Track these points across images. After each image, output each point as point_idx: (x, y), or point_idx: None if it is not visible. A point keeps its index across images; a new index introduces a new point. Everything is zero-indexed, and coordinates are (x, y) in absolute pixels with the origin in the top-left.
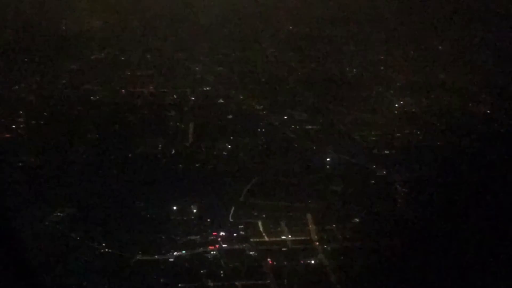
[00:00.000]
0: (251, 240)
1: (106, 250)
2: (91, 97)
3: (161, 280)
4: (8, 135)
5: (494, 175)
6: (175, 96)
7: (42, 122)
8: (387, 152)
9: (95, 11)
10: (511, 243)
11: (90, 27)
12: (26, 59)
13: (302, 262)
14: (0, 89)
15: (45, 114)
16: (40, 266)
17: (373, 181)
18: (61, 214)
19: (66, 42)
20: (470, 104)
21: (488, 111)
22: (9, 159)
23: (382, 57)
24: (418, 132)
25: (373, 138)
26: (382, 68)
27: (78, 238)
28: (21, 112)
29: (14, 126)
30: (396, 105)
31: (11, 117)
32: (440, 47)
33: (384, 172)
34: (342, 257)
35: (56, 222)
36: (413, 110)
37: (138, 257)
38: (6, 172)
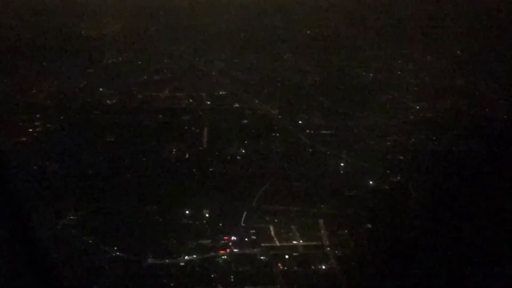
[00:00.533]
0: (262, 245)
1: (118, 253)
2: (107, 101)
3: (172, 284)
4: (24, 139)
5: None
6: (190, 101)
7: (58, 126)
8: (401, 157)
9: (115, 16)
10: None
11: (110, 31)
12: (44, 63)
13: (313, 267)
14: (17, 93)
15: (62, 118)
16: (53, 268)
17: (386, 187)
18: (75, 217)
19: (84, 46)
20: (487, 110)
21: (505, 117)
22: (25, 162)
23: (400, 61)
24: (434, 138)
25: (388, 143)
26: (399, 72)
27: (90, 241)
28: (38, 116)
29: (30, 130)
30: (412, 110)
31: (28, 121)
32: (458, 52)
33: (398, 177)
34: (353, 263)
35: (70, 225)
36: (429, 115)
37: (149, 261)
38: (21, 175)
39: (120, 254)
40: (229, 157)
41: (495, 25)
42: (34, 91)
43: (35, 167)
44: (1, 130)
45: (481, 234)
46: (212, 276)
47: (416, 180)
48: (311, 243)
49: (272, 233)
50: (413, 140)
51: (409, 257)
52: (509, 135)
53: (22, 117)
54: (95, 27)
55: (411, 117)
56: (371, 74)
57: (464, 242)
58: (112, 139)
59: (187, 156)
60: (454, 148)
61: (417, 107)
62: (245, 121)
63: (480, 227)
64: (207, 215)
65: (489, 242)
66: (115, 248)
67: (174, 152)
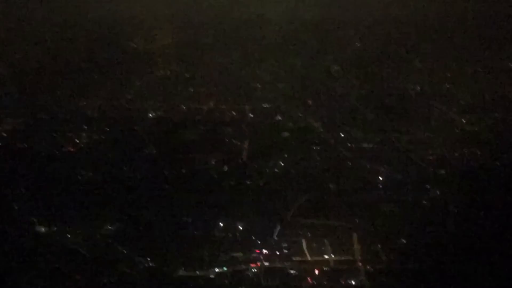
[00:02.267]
0: (293, 259)
1: (151, 264)
2: (152, 113)
3: None
4: (71, 149)
5: None
6: (233, 113)
7: (103, 138)
8: (443, 172)
9: (167, 30)
10: None
11: (160, 44)
12: (95, 76)
13: (342, 282)
14: (68, 104)
15: (107, 129)
16: (89, 277)
17: (425, 202)
18: (112, 228)
19: (135, 59)
20: None
21: None
22: (72, 172)
23: (449, 74)
24: (479, 152)
25: (430, 158)
26: (447, 85)
27: (125, 251)
28: (85, 127)
29: (78, 141)
30: (458, 123)
31: (76, 132)
32: (510, 65)
33: (438, 192)
34: (384, 279)
35: (107, 235)
36: (476, 129)
37: (180, 272)
38: (66, 184)
39: (153, 265)
40: (267, 170)
41: None
42: (85, 103)
43: (79, 177)
44: (51, 140)
45: None
46: None
47: (457, 196)
48: (342, 257)
49: (304, 247)
50: (456, 154)
51: (441, 275)
52: None
53: (70, 128)
54: (147, 40)
55: (456, 130)
56: (419, 87)
57: (501, 263)
58: (153, 151)
59: (226, 168)
60: (498, 164)
61: (463, 120)
62: (286, 134)
63: None
64: (240, 227)
65: None
66: (148, 259)
67: (213, 164)
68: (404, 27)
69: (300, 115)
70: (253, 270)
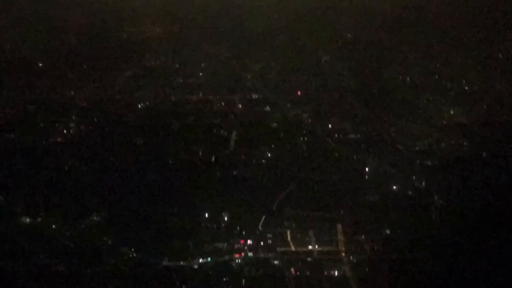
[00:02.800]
0: (278, 249)
1: (135, 255)
2: (141, 104)
3: (183, 287)
4: (59, 140)
5: None
6: (222, 104)
7: (91, 128)
8: (429, 163)
9: (157, 19)
10: None
11: (151, 34)
12: (85, 66)
13: (326, 273)
14: (57, 95)
15: (95, 120)
16: (73, 268)
17: (410, 193)
18: (98, 218)
19: (125, 49)
20: None
21: None
22: (58, 162)
23: (439, 65)
24: (465, 143)
25: (417, 149)
26: (437, 76)
27: (110, 242)
28: (73, 117)
29: (65, 131)
30: (446, 115)
31: (63, 122)
32: (500, 55)
33: (423, 183)
34: (367, 269)
35: (92, 225)
36: (463, 120)
37: (165, 263)
38: (52, 175)
39: (137, 256)
40: (254, 161)
41: None
42: (73, 93)
43: (66, 168)
44: (38, 130)
45: (507, 246)
46: (224, 279)
47: (442, 187)
48: (326, 248)
49: (289, 237)
50: (443, 145)
51: (424, 265)
52: None
53: (58, 119)
54: (137, 30)
55: (444, 122)
56: (409, 78)
57: (487, 254)
58: (141, 142)
59: (213, 159)
60: (485, 155)
61: (452, 112)
62: (275, 125)
63: (507, 241)
64: (226, 218)
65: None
66: (133, 249)
67: (200, 155)
68: (394, 18)
69: (289, 105)
70: (237, 261)
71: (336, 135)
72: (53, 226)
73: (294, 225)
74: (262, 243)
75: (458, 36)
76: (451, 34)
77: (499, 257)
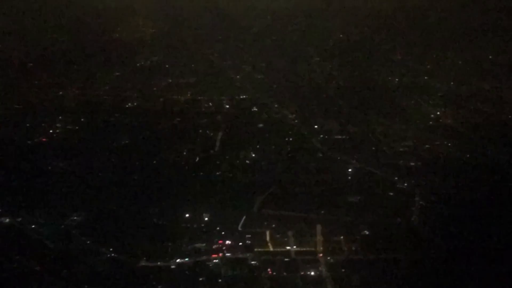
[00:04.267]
0: (256, 249)
1: (113, 255)
2: (129, 104)
3: (159, 287)
4: (44, 139)
5: None
6: (210, 104)
7: (77, 128)
8: (412, 164)
9: (151, 19)
10: None
11: (143, 35)
12: (75, 66)
13: (302, 273)
14: (46, 95)
15: (82, 120)
16: (50, 267)
17: (391, 193)
18: (78, 218)
19: (117, 49)
20: (509, 116)
21: None
22: (41, 162)
23: (429, 66)
24: (449, 144)
25: (401, 149)
26: (425, 77)
27: (88, 242)
28: (60, 117)
29: (51, 131)
30: (432, 115)
31: (50, 122)
32: (490, 57)
33: (405, 184)
34: (343, 270)
35: (72, 225)
36: (449, 121)
37: (142, 263)
38: (34, 175)
39: (115, 256)
40: (238, 161)
41: None
42: (61, 93)
43: (49, 167)
44: (24, 129)
45: (485, 249)
46: (200, 279)
47: (423, 189)
48: (304, 248)
49: (268, 238)
50: (427, 146)
51: (401, 265)
52: None
53: (45, 118)
54: (131, 30)
55: (430, 122)
56: (397, 79)
57: (467, 254)
58: (126, 142)
59: (197, 159)
60: (468, 155)
61: (438, 113)
62: (261, 125)
63: (486, 240)
64: (206, 219)
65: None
66: (111, 249)
67: (184, 155)
68: (386, 19)
69: (276, 106)
70: (214, 261)
71: (321, 136)
72: (33, 226)
73: (273, 226)
74: (240, 244)
75: (449, 38)
76: (442, 36)
77: (479, 257)
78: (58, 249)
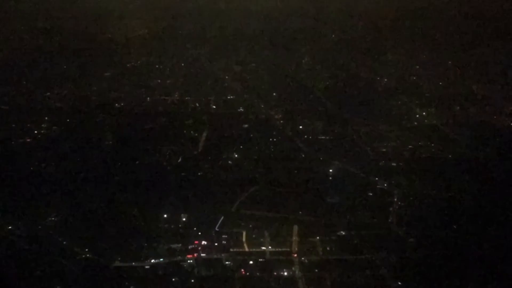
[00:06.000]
0: (231, 250)
1: (88, 255)
2: (116, 104)
3: (131, 287)
4: (29, 140)
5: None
6: (197, 105)
7: (63, 129)
8: (394, 164)
9: (143, 20)
10: None
11: (136, 35)
12: (65, 66)
13: (275, 273)
14: (33, 95)
15: (68, 120)
16: (24, 268)
17: (371, 194)
18: (56, 219)
19: (108, 49)
20: (494, 117)
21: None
22: (23, 163)
23: (418, 67)
24: (432, 144)
25: (384, 150)
26: (414, 78)
27: (65, 242)
28: (46, 118)
29: (36, 132)
30: (418, 116)
31: (36, 123)
32: (479, 58)
33: (385, 184)
34: (316, 270)
35: (50, 226)
36: (434, 122)
37: (117, 263)
38: (16, 175)
39: (89, 256)
40: (220, 162)
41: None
42: (49, 93)
43: (32, 168)
44: (9, 130)
45: (463, 250)
46: (173, 280)
47: (403, 189)
48: (279, 249)
49: (244, 238)
50: (410, 147)
51: (375, 266)
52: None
53: (31, 119)
54: (122, 31)
55: (415, 123)
56: (385, 80)
57: (446, 254)
58: (110, 143)
59: (180, 160)
60: (450, 156)
61: (424, 113)
62: (246, 125)
63: (462, 240)
64: (184, 219)
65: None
66: (87, 250)
67: (168, 156)
68: (378, 20)
69: (263, 106)
70: (189, 261)
71: (305, 136)
72: (9, 227)
73: (251, 226)
74: (216, 244)
75: (440, 39)
76: (431, 37)
77: (456, 257)
78: (32, 249)
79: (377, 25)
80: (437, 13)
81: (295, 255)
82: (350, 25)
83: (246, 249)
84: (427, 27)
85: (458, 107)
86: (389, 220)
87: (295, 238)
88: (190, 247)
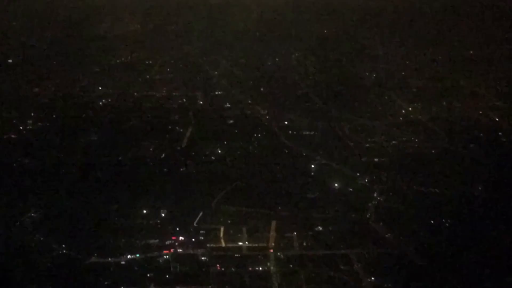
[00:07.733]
0: (208, 245)
1: (64, 251)
2: (103, 100)
3: (106, 283)
4: (13, 136)
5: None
6: (184, 100)
7: (48, 125)
8: (376, 160)
9: (135, 15)
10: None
11: (128, 30)
12: (55, 62)
13: (250, 269)
14: (20, 91)
15: (54, 116)
16: (2, 264)
17: (351, 189)
18: (34, 215)
19: (99, 45)
20: (480, 112)
21: (497, 119)
22: (6, 159)
23: (407, 62)
24: (416, 140)
25: (367, 145)
26: (402, 73)
27: (42, 239)
28: (32, 114)
29: (21, 127)
30: (403, 111)
31: (21, 118)
32: (471, 52)
33: (366, 180)
34: (291, 265)
35: (28, 222)
36: (419, 117)
37: (93, 259)
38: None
39: (66, 252)
40: (203, 158)
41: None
42: (37, 89)
43: (14, 164)
44: None
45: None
46: (148, 275)
47: (383, 185)
48: (256, 244)
49: (221, 234)
50: (394, 142)
51: (350, 262)
52: (496, 139)
53: (17, 114)
54: (113, 27)
55: (401, 118)
56: (374, 75)
57: (424, 252)
58: (95, 139)
59: (163, 156)
60: (433, 151)
61: (410, 108)
62: (231, 121)
63: (444, 238)
64: (163, 215)
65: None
66: (64, 246)
67: (151, 151)
68: (370, 16)
69: (249, 102)
70: (165, 257)
71: (290, 132)
72: None
73: (229, 222)
74: (193, 239)
75: (430, 33)
76: (422, 30)
77: (435, 253)
78: (8, 246)
79: (364, 21)
80: (424, 9)
81: (271, 250)
82: (337, 20)
83: (223, 245)
84: (414, 22)
85: (444, 102)
86: (367, 216)
87: (272, 233)
88: (167, 242)
